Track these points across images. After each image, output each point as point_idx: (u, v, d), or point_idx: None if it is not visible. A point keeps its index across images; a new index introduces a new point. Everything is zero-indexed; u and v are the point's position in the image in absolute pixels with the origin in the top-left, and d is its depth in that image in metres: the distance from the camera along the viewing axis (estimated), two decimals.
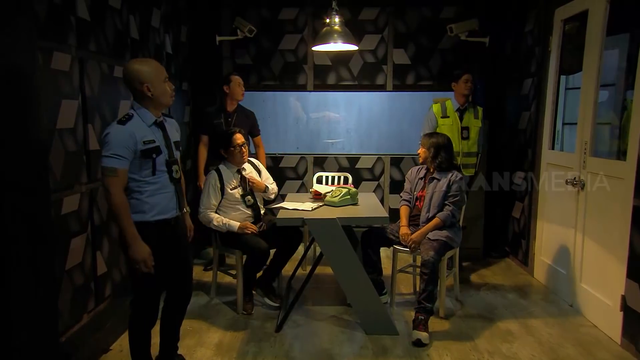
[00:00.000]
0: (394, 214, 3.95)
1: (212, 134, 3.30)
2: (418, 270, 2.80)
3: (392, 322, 2.55)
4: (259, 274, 2.88)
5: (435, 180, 2.77)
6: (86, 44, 2.23)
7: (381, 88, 4.24)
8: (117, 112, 2.53)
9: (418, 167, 2.94)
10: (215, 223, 2.75)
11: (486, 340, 2.46)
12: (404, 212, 2.86)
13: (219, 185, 2.76)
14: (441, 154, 2.75)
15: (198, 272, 3.52)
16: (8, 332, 1.65)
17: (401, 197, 2.94)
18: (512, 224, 3.76)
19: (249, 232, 2.73)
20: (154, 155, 1.80)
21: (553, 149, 3.24)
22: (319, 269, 2.81)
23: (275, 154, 4.30)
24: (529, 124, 3.49)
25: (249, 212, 2.84)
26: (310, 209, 2.66)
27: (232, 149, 2.77)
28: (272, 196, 3.00)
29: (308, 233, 3.39)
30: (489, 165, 3.75)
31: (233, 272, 2.91)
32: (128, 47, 2.68)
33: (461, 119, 3.28)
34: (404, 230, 2.77)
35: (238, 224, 2.74)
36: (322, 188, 3.04)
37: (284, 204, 2.78)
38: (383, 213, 2.68)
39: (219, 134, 2.98)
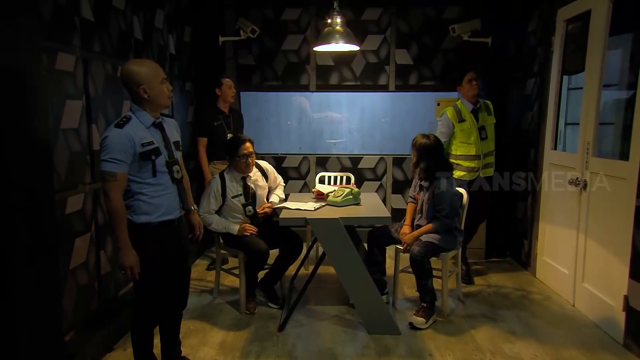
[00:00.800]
0: (396, 214, 3.96)
1: (211, 136, 3.33)
2: None
3: (395, 322, 2.56)
4: (261, 275, 2.89)
5: (424, 189, 2.74)
6: (90, 45, 2.25)
7: (384, 88, 4.25)
8: (121, 112, 2.54)
9: None
10: (214, 226, 2.75)
11: (488, 340, 2.46)
12: (409, 210, 2.87)
13: (220, 192, 2.73)
14: (426, 159, 2.63)
15: (201, 272, 3.54)
16: (12, 331, 1.66)
17: (410, 193, 2.94)
18: (514, 224, 3.76)
19: (248, 233, 2.73)
20: (154, 157, 1.79)
21: (555, 149, 3.23)
22: (322, 269, 2.83)
23: (278, 154, 4.32)
24: (532, 124, 3.49)
25: (247, 221, 2.83)
26: (313, 209, 2.66)
27: (238, 158, 2.70)
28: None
29: (311, 233, 3.40)
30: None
31: (236, 271, 2.92)
32: (132, 48, 2.70)
33: (477, 119, 3.19)
34: (405, 229, 2.78)
35: (237, 227, 2.74)
36: (324, 188, 3.05)
37: (287, 204, 2.79)
38: (385, 213, 2.69)
39: (228, 140, 2.86)
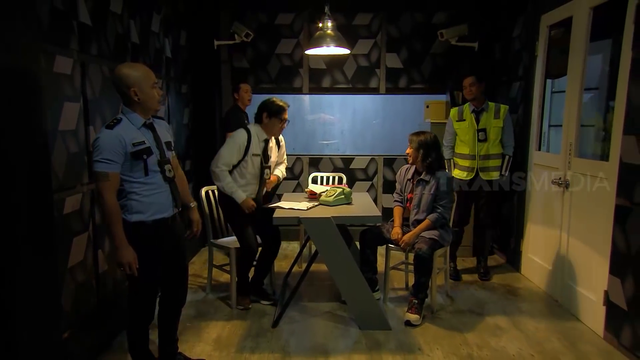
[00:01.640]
0: (387, 213, 4.04)
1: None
2: (410, 267, 2.88)
3: (385, 318, 2.63)
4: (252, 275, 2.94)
5: (423, 183, 2.82)
6: (88, 48, 2.29)
7: (374, 91, 4.33)
8: (118, 114, 2.58)
9: (406, 167, 2.99)
10: (224, 185, 2.69)
11: (476, 335, 2.54)
12: (397, 212, 2.94)
13: (245, 145, 2.70)
14: (431, 153, 2.78)
15: (197, 269, 3.58)
16: (12, 328, 1.69)
17: (394, 197, 3.03)
18: (501, 223, 3.86)
19: (249, 211, 2.73)
20: (145, 156, 1.83)
21: (540, 150, 3.34)
22: (314, 267, 2.88)
23: None
24: (517, 126, 3.59)
25: (255, 190, 2.80)
26: (306, 209, 2.73)
27: (277, 119, 2.74)
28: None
29: (304, 231, 3.46)
30: None
31: (227, 267, 2.98)
32: (129, 51, 2.75)
33: (478, 120, 3.26)
34: (395, 230, 2.85)
35: (245, 195, 2.72)
36: (317, 188, 3.11)
37: (281, 204, 2.84)
38: (376, 212, 2.75)
39: (273, 101, 2.80)
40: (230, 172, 2.77)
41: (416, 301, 2.66)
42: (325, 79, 4.33)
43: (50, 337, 1.90)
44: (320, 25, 3.09)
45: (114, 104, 2.54)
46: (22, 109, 1.74)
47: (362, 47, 4.27)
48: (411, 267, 2.81)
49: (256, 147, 2.76)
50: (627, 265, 2.27)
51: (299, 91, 4.35)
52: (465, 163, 3.31)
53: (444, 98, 4.13)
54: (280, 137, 3.01)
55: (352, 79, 4.32)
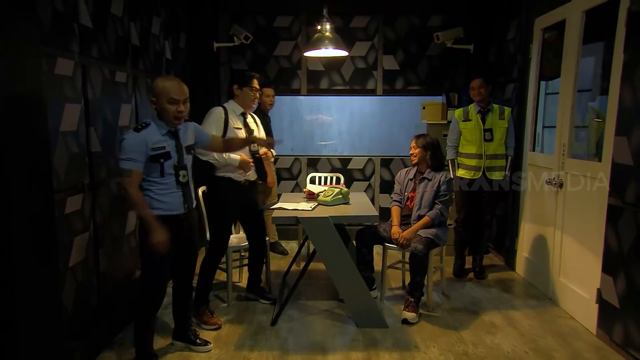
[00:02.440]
0: (384, 213, 4.08)
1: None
2: (407, 266, 2.92)
3: (382, 316, 2.66)
4: (252, 276, 2.98)
5: (426, 180, 2.91)
6: (89, 50, 2.31)
7: (372, 92, 4.38)
8: (119, 115, 2.61)
9: (407, 169, 3.08)
10: (217, 157, 2.59)
11: (471, 332, 2.58)
12: (395, 212, 2.99)
13: (223, 119, 2.63)
14: (437, 153, 2.92)
15: (196, 269, 3.59)
16: (14, 328, 1.71)
17: (392, 198, 3.07)
18: (496, 222, 3.91)
19: (248, 170, 2.69)
20: (162, 160, 2.06)
21: (534, 150, 3.39)
22: (313, 265, 2.92)
23: None
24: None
25: (250, 159, 2.70)
26: (310, 209, 2.74)
27: (247, 89, 2.69)
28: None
29: (302, 231, 3.50)
30: None
31: (223, 265, 2.96)
32: (129, 53, 2.78)
33: (484, 120, 3.31)
34: (395, 229, 2.90)
35: (239, 157, 2.64)
36: (315, 188, 3.14)
37: (282, 204, 2.86)
38: (373, 212, 2.78)
39: (240, 71, 2.77)
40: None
41: (412, 299, 2.70)
42: (323, 80, 4.37)
43: (51, 336, 1.92)
44: (319, 27, 3.13)
45: (114, 105, 2.58)
46: (24, 110, 1.77)
47: (360, 49, 4.31)
48: (407, 266, 2.85)
49: (236, 121, 2.71)
50: (619, 264, 2.31)
51: (297, 93, 4.39)
52: (472, 162, 3.35)
53: (440, 99, 4.18)
54: (256, 118, 2.93)
55: (350, 81, 4.37)
